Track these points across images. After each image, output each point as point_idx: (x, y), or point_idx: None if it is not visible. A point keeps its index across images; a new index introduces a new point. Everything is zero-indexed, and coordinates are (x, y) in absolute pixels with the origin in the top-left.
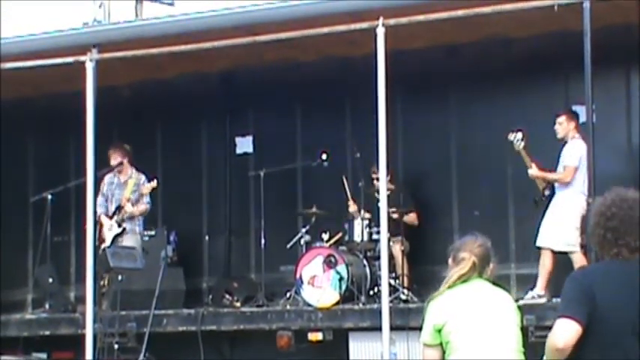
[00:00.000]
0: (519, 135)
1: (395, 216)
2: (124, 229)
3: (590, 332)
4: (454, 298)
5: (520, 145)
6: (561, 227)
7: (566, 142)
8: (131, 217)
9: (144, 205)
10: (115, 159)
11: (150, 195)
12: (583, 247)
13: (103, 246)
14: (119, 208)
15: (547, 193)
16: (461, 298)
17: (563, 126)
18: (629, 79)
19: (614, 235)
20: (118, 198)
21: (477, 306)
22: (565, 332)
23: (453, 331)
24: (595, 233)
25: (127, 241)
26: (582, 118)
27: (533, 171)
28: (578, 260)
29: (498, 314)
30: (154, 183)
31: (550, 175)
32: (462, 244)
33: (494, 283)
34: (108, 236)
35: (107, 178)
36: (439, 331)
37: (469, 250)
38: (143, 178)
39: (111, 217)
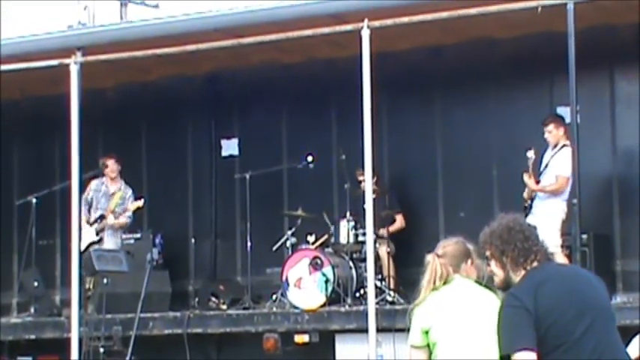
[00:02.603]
0: (532, 152)
1: (384, 214)
2: (101, 239)
3: (545, 342)
4: (440, 300)
5: (532, 160)
6: (547, 230)
7: (554, 147)
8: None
9: (125, 219)
10: (112, 172)
11: (137, 194)
12: (562, 247)
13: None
14: (101, 218)
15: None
16: (446, 299)
17: (553, 134)
18: (613, 80)
19: (531, 244)
20: (103, 207)
21: (462, 307)
22: None
23: (438, 332)
24: (511, 249)
25: (108, 243)
26: (567, 119)
27: (531, 183)
28: (560, 260)
29: (482, 315)
30: (141, 203)
31: (547, 188)
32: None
33: (486, 285)
34: (84, 241)
35: (94, 184)
36: (426, 332)
37: (434, 253)
38: (130, 192)
39: (91, 224)
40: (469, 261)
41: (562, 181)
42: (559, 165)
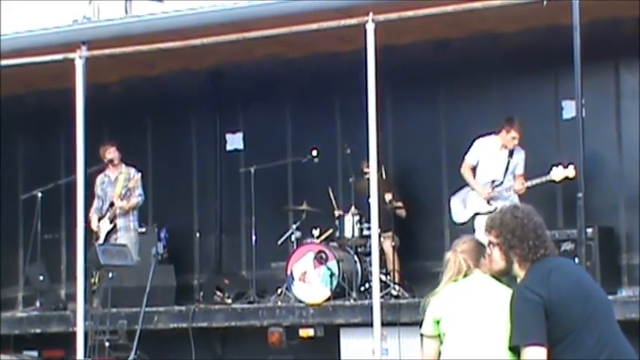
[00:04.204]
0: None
1: (389, 197)
2: (115, 225)
3: (556, 330)
4: (454, 292)
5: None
6: None
7: (511, 150)
8: (125, 213)
9: (135, 199)
10: (110, 153)
11: (143, 188)
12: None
13: (97, 243)
14: (111, 205)
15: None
16: (460, 292)
17: (518, 138)
18: (618, 73)
19: (541, 241)
20: (111, 195)
21: (476, 300)
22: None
23: (449, 323)
24: (522, 247)
25: (121, 239)
26: (572, 113)
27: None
28: None
29: (496, 310)
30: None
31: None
32: (450, 248)
33: (500, 280)
34: (102, 233)
35: (98, 179)
36: (438, 322)
37: (453, 250)
38: (132, 170)
39: (104, 215)
40: (486, 256)
41: (523, 178)
42: (520, 166)
